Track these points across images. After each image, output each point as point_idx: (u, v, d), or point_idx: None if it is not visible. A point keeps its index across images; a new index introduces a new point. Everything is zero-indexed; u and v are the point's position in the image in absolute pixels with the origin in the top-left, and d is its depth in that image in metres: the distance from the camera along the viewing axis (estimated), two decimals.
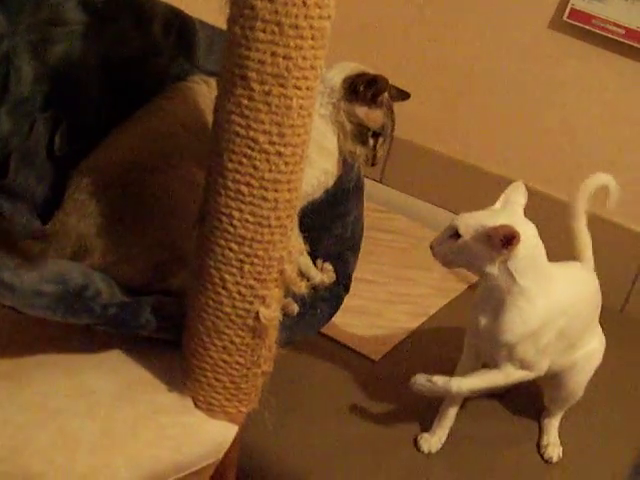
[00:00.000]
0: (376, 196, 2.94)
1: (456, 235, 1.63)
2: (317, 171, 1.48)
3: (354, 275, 2.44)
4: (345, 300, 2.21)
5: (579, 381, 1.87)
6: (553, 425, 1.94)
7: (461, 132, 2.89)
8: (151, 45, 1.47)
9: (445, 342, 2.26)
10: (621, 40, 2.50)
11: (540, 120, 2.75)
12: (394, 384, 2.02)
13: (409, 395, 1.97)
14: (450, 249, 1.64)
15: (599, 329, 1.91)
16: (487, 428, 1.96)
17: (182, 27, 1.50)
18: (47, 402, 1.23)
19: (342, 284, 1.66)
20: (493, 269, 1.61)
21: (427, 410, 1.92)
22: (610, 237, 2.57)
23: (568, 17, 2.55)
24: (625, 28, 2.48)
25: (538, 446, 1.93)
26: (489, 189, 2.49)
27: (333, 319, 2.11)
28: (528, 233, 1.61)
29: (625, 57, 2.54)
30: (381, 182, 3.00)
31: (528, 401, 2.04)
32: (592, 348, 1.87)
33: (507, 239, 1.55)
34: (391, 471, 1.77)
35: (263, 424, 1.30)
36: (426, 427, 1.88)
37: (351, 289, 2.33)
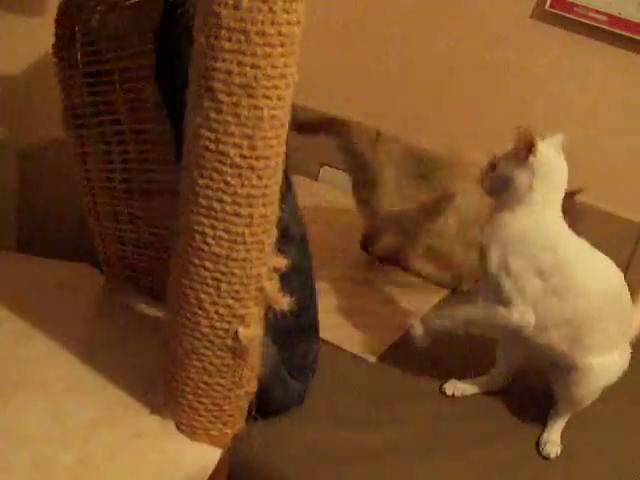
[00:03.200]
0: None
1: (493, 168, 1.82)
2: None
3: (345, 274, 2.42)
4: (337, 300, 2.19)
5: (590, 390, 1.83)
6: (558, 423, 1.90)
7: (445, 125, 2.85)
8: None
9: (441, 339, 2.22)
10: (604, 27, 2.47)
11: (526, 110, 2.72)
12: (392, 385, 1.98)
13: (409, 397, 1.94)
14: (491, 179, 1.82)
15: (626, 348, 1.86)
16: (487, 426, 1.92)
17: None
18: (22, 428, 1.19)
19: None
20: (525, 181, 1.76)
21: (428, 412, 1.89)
22: (600, 225, 2.53)
23: (550, 6, 2.52)
24: (607, 15, 2.45)
25: (538, 442, 1.89)
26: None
27: (325, 320, 2.08)
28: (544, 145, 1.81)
29: (609, 44, 2.52)
30: None
31: (531, 400, 2.00)
32: (612, 361, 1.82)
33: (528, 145, 1.77)
34: (394, 478, 1.71)
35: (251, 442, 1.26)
36: (427, 430, 1.85)
37: (343, 289, 2.31)
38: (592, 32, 2.51)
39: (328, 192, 2.95)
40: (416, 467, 1.73)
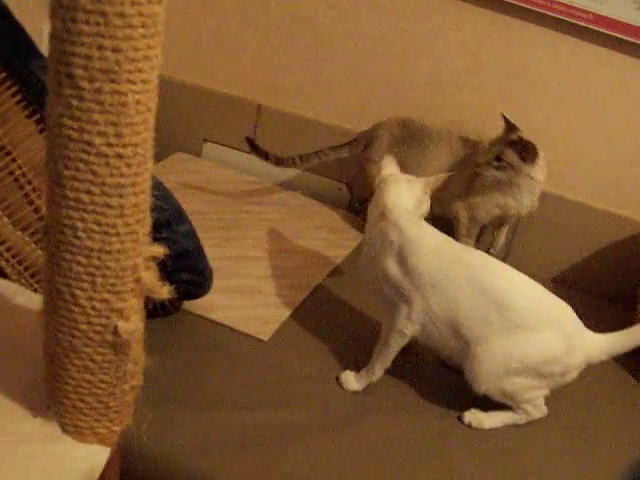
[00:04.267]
0: (247, 168, 2.86)
1: None
2: None
3: (232, 253, 2.38)
4: (226, 280, 2.15)
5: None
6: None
7: (328, 95, 2.83)
8: None
9: (333, 312, 2.22)
10: None
11: (409, 76, 2.72)
12: (288, 363, 1.96)
13: (304, 376, 1.92)
14: None
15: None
16: (384, 402, 1.91)
17: None
18: None
19: None
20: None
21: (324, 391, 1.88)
22: None
23: None
24: None
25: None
26: None
27: (215, 302, 2.04)
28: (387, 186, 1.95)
29: (484, 8, 2.54)
30: (252, 153, 2.92)
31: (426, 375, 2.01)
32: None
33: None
34: (294, 460, 1.68)
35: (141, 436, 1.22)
36: (324, 409, 1.83)
37: (230, 268, 2.27)
38: None
39: (212, 168, 2.90)
40: (313, 447, 1.71)
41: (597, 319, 1.90)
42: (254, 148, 2.62)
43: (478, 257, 1.90)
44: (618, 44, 2.49)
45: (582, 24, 2.48)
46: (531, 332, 1.79)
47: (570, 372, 1.84)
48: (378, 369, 1.90)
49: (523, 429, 1.88)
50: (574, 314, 1.84)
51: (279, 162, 2.64)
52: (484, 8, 2.55)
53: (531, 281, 1.84)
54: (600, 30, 2.47)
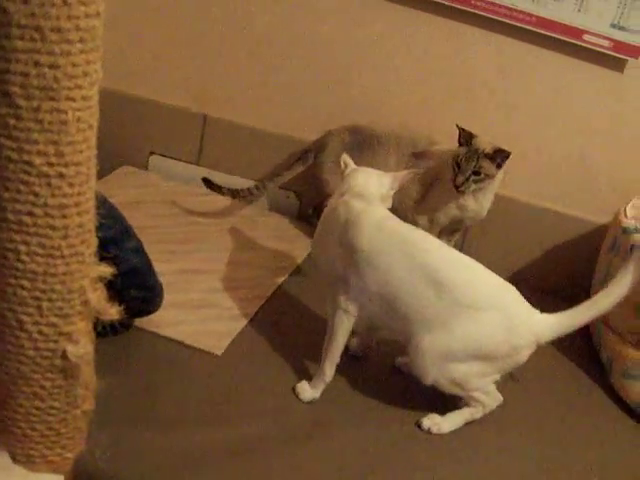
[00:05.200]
0: (194, 179, 2.83)
1: None
2: None
3: (183, 267, 2.34)
4: (178, 295, 2.12)
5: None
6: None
7: (274, 105, 2.81)
8: None
9: (287, 322, 2.20)
10: None
11: (355, 82, 2.72)
12: (243, 377, 1.93)
13: (261, 388, 1.90)
14: None
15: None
16: (340, 412, 1.89)
17: None
18: None
19: None
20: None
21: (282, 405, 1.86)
22: None
23: None
24: None
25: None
26: None
27: (167, 318, 2.01)
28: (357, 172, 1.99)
29: (428, 13, 2.55)
30: (199, 164, 2.89)
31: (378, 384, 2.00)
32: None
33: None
34: (253, 476, 1.64)
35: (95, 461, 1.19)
36: (280, 422, 1.81)
37: (182, 282, 2.24)
38: (414, 2, 2.55)
39: (158, 180, 2.86)
40: (272, 462, 1.68)
41: None
42: (210, 186, 2.62)
43: (419, 235, 1.87)
44: (560, 46, 2.51)
45: (525, 27, 2.50)
46: (472, 311, 1.75)
47: (519, 353, 1.80)
48: (328, 368, 1.87)
49: (484, 430, 1.88)
50: (519, 294, 1.81)
51: (235, 195, 2.63)
52: (428, 13, 2.56)
53: (472, 261, 1.82)
54: (543, 32, 2.49)
